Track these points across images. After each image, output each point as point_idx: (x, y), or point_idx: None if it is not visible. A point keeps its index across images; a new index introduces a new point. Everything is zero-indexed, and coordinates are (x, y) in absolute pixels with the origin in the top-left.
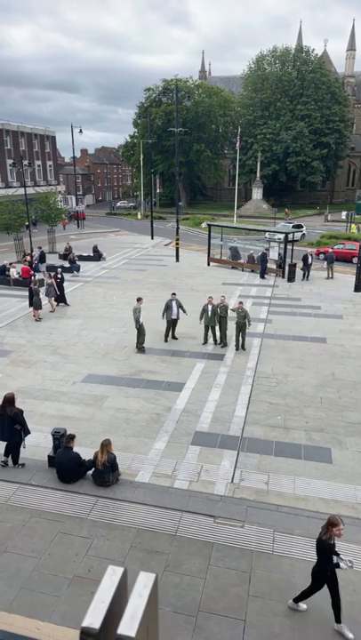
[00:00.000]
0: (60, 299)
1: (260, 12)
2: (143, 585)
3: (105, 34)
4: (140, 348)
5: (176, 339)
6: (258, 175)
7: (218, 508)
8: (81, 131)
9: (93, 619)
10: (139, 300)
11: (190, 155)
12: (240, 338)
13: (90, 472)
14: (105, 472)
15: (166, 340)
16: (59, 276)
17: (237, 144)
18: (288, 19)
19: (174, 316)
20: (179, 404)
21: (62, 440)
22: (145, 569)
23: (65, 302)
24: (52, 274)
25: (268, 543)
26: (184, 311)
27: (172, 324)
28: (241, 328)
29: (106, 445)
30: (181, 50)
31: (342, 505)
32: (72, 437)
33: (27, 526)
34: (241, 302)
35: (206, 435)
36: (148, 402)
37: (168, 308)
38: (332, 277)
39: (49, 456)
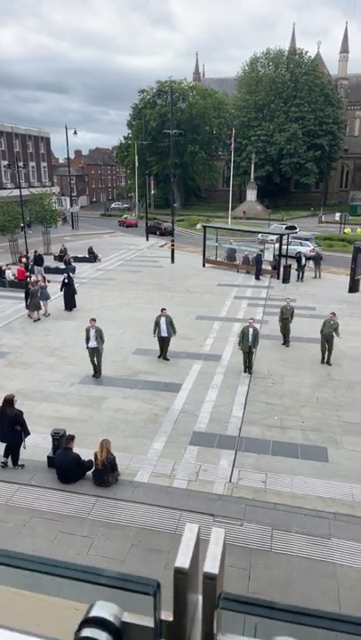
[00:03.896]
0: (69, 303)
1: (243, 12)
2: (217, 535)
3: (90, 34)
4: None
5: (167, 360)
6: (252, 176)
7: (217, 506)
8: (75, 132)
9: (183, 561)
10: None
11: (185, 156)
12: (326, 352)
13: (89, 472)
14: (104, 472)
15: (160, 357)
16: (65, 280)
17: (232, 145)
18: (271, 19)
19: (164, 334)
20: (176, 404)
21: (62, 441)
22: (146, 567)
23: (70, 307)
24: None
25: (266, 541)
26: (174, 330)
27: (161, 342)
28: (328, 340)
29: (105, 445)
30: (168, 51)
31: (339, 503)
32: (72, 438)
33: (27, 526)
34: (333, 313)
35: (204, 435)
36: (146, 402)
37: (157, 324)
38: (319, 277)
39: (48, 457)
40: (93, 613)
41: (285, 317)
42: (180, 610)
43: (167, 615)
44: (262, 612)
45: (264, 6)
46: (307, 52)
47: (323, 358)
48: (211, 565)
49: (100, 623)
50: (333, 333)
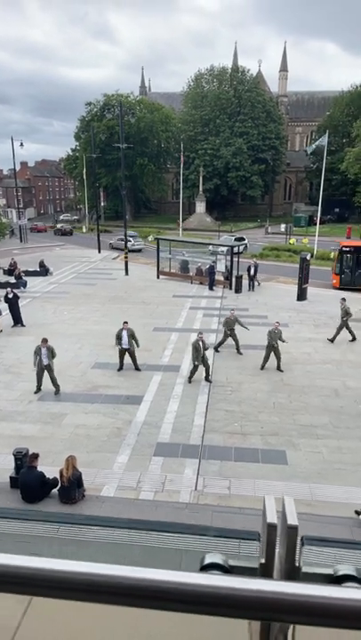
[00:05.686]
0: (16, 320)
1: (182, 29)
2: (289, 500)
3: (31, 45)
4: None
5: (139, 370)
6: (200, 189)
7: (184, 515)
8: (22, 144)
9: (272, 518)
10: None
11: (134, 169)
12: (270, 359)
13: (54, 490)
14: (71, 489)
15: (119, 369)
16: (9, 295)
17: (181, 159)
18: (210, 36)
19: (125, 346)
20: (139, 416)
21: (25, 460)
22: None
23: (21, 323)
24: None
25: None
26: (136, 342)
27: (123, 353)
28: (275, 349)
29: (71, 461)
30: (111, 64)
31: (300, 503)
32: (36, 456)
33: None
34: (278, 322)
35: (168, 445)
36: (108, 416)
37: (119, 338)
38: (259, 284)
39: (11, 477)
40: (207, 561)
41: (231, 328)
42: (271, 554)
43: (261, 559)
44: (333, 545)
45: (202, 25)
46: (249, 69)
47: (262, 366)
48: (291, 519)
49: (214, 567)
50: (279, 341)
